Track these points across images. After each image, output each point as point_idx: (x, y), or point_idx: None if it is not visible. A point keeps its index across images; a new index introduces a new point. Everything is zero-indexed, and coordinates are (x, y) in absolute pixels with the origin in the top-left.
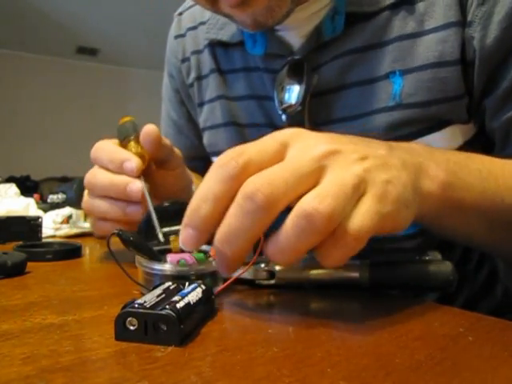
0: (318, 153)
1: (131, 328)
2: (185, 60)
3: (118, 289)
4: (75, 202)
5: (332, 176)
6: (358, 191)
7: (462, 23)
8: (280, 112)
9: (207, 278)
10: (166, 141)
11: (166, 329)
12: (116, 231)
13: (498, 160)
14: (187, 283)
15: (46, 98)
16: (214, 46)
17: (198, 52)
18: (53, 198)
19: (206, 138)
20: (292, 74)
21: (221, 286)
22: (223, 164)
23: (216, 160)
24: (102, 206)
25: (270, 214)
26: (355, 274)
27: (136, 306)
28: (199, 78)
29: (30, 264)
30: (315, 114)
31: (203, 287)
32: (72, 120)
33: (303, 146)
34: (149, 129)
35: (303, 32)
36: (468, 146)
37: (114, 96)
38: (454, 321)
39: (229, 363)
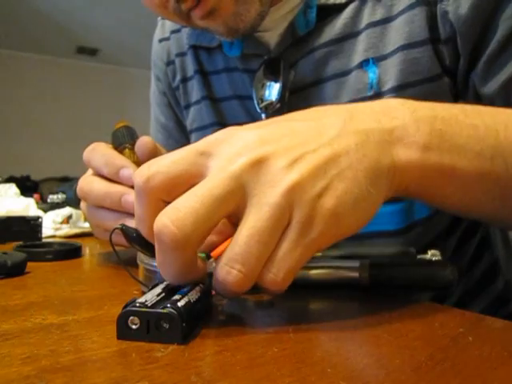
0: (237, 167)
1: (133, 327)
2: (170, 63)
3: (118, 289)
4: (75, 202)
5: (247, 221)
6: (279, 227)
7: (428, 1)
8: (259, 110)
9: (207, 277)
10: (162, 151)
11: (168, 327)
12: (119, 226)
13: (500, 111)
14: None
15: (45, 98)
16: (197, 48)
17: (182, 54)
18: (53, 197)
19: (194, 140)
20: (269, 72)
21: None
22: (134, 180)
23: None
24: (98, 215)
25: (185, 251)
26: (355, 274)
27: (137, 305)
28: (184, 80)
29: (30, 264)
30: (295, 111)
31: (202, 286)
32: (72, 120)
33: (225, 156)
34: (145, 140)
35: (278, 30)
36: None
37: (113, 96)
38: (454, 321)
39: (229, 363)
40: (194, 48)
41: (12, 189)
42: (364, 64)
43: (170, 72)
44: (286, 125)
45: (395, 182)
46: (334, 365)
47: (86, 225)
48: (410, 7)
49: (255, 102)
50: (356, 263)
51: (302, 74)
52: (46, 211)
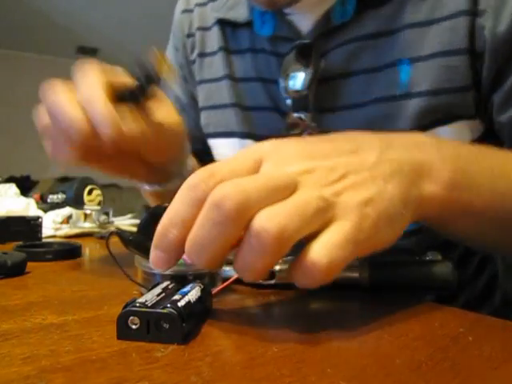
0: (291, 170)
1: (133, 327)
2: (190, 35)
3: (118, 289)
4: (75, 202)
5: (297, 195)
6: (322, 215)
7: (473, 12)
8: (285, 95)
9: (205, 277)
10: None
11: (168, 327)
12: (115, 231)
13: (510, 155)
14: (186, 282)
15: None
16: (224, 24)
17: (204, 29)
18: (53, 198)
19: (205, 117)
20: (299, 58)
21: (220, 286)
22: (193, 186)
23: (187, 180)
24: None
25: (239, 224)
26: (355, 274)
27: (138, 305)
28: (202, 55)
29: (29, 264)
30: (321, 101)
31: (201, 286)
32: None
33: (278, 160)
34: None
35: (313, 16)
36: None
37: None
38: (454, 321)
39: (229, 363)
40: (221, 23)
41: (12, 189)
42: (398, 64)
43: (189, 44)
44: (331, 146)
45: (418, 211)
46: (334, 365)
47: (86, 225)
48: (455, 15)
49: (282, 85)
50: (356, 263)
51: (331, 64)
52: (45, 211)
